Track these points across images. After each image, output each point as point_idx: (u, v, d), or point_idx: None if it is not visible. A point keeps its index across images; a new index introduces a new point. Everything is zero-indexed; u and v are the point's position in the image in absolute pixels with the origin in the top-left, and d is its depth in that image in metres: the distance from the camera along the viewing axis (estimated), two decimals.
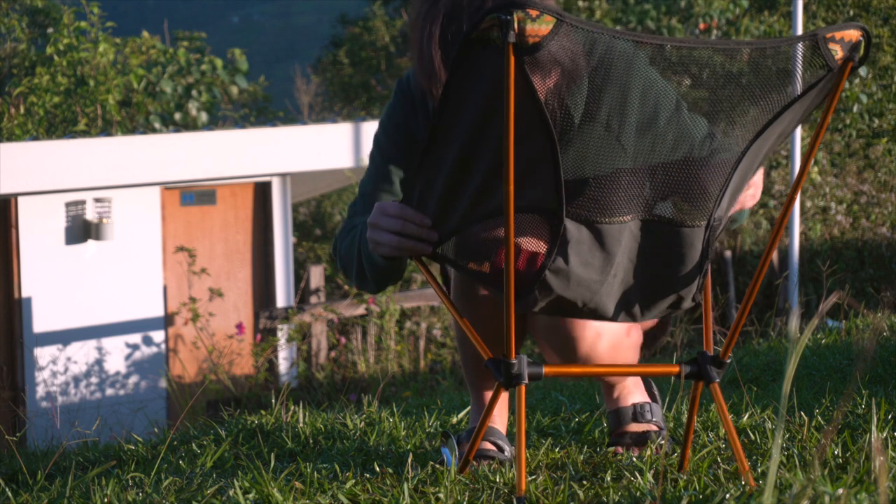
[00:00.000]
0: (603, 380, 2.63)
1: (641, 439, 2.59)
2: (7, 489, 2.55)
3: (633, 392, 2.64)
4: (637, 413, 2.61)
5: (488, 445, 2.50)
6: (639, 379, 2.65)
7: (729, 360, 2.18)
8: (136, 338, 9.77)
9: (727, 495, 2.05)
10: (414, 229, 2.17)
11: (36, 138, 11.08)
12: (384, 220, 2.20)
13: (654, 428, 2.61)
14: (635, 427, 2.60)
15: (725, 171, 2.08)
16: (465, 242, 2.16)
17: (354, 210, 2.52)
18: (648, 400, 2.65)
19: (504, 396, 2.56)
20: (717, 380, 2.16)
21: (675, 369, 2.16)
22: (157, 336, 9.87)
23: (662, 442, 2.57)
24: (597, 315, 2.14)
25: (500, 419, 2.56)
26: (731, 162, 2.07)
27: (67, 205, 9.49)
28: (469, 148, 2.04)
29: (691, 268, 2.13)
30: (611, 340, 2.41)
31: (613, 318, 2.14)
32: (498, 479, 2.26)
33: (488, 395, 2.56)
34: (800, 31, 9.74)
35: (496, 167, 2.00)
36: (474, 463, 2.43)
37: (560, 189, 2.02)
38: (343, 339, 9.37)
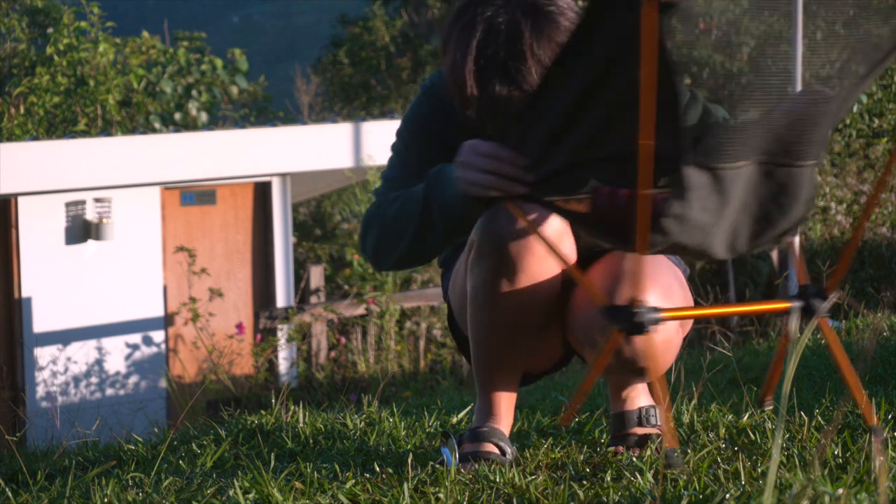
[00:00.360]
0: (613, 381, 2.62)
1: (643, 441, 2.59)
2: (7, 489, 2.55)
3: (640, 395, 2.63)
4: (642, 417, 2.60)
5: (490, 447, 2.49)
6: (646, 384, 2.65)
7: (833, 296, 2.13)
8: (136, 338, 9.77)
9: (727, 495, 2.05)
10: (509, 169, 2.15)
11: (36, 138, 11.08)
12: (477, 159, 2.18)
13: (657, 432, 2.61)
14: (639, 430, 2.60)
15: (835, 111, 2.09)
16: (570, 182, 2.15)
17: (382, 192, 2.52)
18: (654, 403, 2.65)
19: (511, 397, 2.55)
20: (825, 314, 2.12)
21: (787, 305, 2.13)
22: (157, 336, 9.87)
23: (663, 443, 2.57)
24: (704, 254, 2.14)
25: (504, 420, 2.55)
26: (841, 99, 2.09)
27: (67, 205, 9.49)
28: (586, 95, 2.04)
29: (800, 204, 2.14)
30: (664, 336, 2.40)
31: (718, 255, 2.14)
32: (498, 479, 2.26)
33: (499, 396, 2.54)
34: (800, 32, 9.72)
35: (614, 114, 2.01)
36: (475, 464, 2.43)
37: (681, 136, 2.00)
38: (343, 339, 9.37)
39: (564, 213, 2.19)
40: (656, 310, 1.95)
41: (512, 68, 2.39)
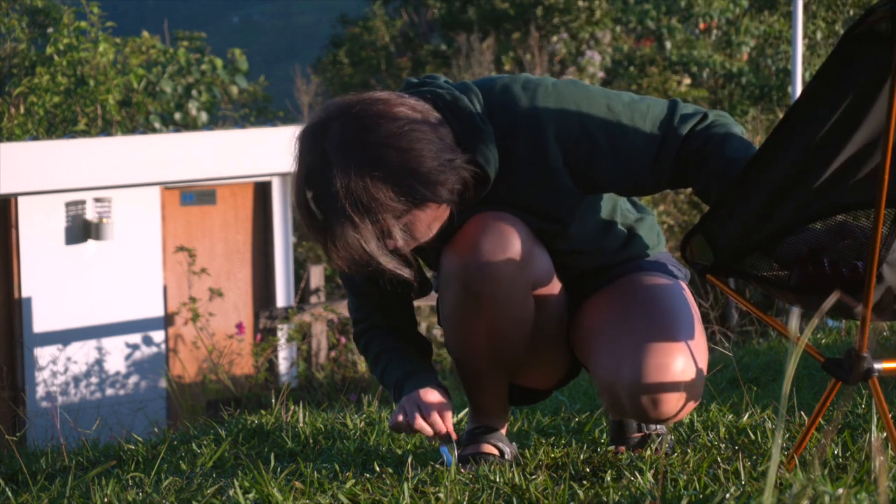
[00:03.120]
0: None
1: (643, 442, 2.59)
2: (7, 489, 2.55)
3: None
4: (641, 423, 2.60)
5: (489, 448, 2.49)
6: None
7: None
8: (136, 338, 9.77)
9: (727, 495, 2.05)
10: (430, 430, 2.36)
11: (36, 138, 11.08)
12: (413, 408, 2.36)
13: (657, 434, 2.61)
14: (638, 435, 2.60)
15: None
16: (775, 252, 2.18)
17: (354, 314, 2.59)
18: None
19: (502, 397, 2.54)
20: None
21: None
22: (157, 336, 9.87)
23: (663, 444, 2.57)
24: None
25: (500, 420, 2.55)
26: None
27: (67, 205, 9.49)
28: (813, 149, 2.06)
29: None
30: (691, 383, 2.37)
31: None
32: (498, 479, 2.26)
33: (488, 401, 2.53)
34: (800, 32, 9.72)
35: (841, 167, 2.03)
36: (475, 463, 2.43)
37: None
38: (343, 339, 9.37)
39: (772, 285, 2.20)
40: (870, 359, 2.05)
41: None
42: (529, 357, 2.49)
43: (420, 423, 2.35)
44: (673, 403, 2.28)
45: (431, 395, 2.39)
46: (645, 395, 2.26)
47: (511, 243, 2.30)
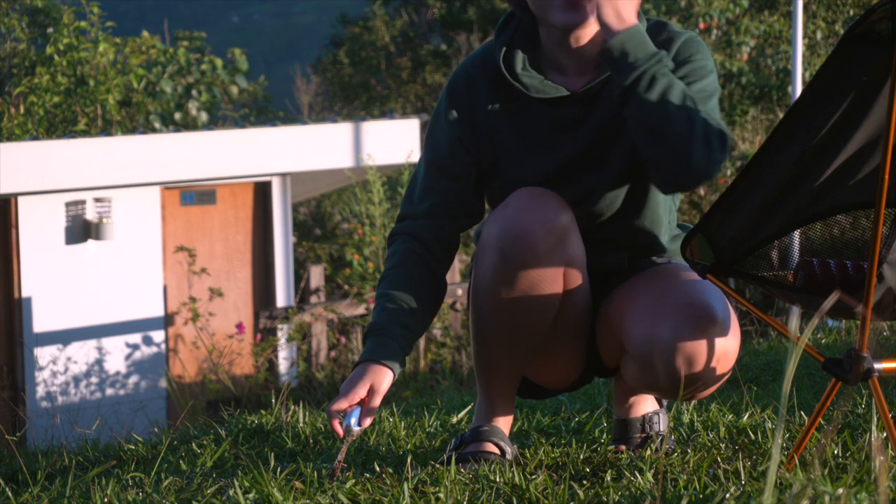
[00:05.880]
0: (620, 387, 2.61)
1: (644, 443, 2.59)
2: (7, 489, 2.55)
3: (646, 401, 2.63)
4: (645, 423, 2.60)
5: (490, 447, 2.49)
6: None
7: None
8: (136, 338, 9.77)
9: (727, 495, 2.05)
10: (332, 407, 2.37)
11: (36, 138, 11.08)
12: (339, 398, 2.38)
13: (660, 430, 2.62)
14: (641, 435, 2.61)
15: None
16: (775, 252, 2.21)
17: (404, 207, 2.59)
18: (658, 408, 2.64)
19: (511, 395, 2.53)
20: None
21: None
22: (157, 336, 9.87)
23: (663, 444, 2.57)
24: None
25: (504, 419, 2.54)
26: None
27: (67, 205, 9.49)
28: (814, 149, 2.06)
29: None
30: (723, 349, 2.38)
31: None
32: (498, 479, 2.26)
33: (498, 393, 2.53)
34: (800, 32, 9.73)
35: (841, 167, 2.02)
36: (475, 463, 2.43)
37: None
38: (343, 339, 9.37)
39: (772, 285, 2.20)
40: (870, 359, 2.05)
41: None
42: (547, 351, 2.49)
43: (335, 425, 2.38)
44: (707, 371, 2.29)
45: (369, 381, 2.39)
46: (681, 356, 2.27)
47: (552, 218, 2.33)
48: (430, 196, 2.53)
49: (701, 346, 2.28)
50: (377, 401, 2.38)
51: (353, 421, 2.37)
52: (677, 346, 2.27)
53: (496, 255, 2.35)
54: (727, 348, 2.31)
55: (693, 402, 3.07)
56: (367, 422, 2.38)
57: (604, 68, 2.43)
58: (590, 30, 2.44)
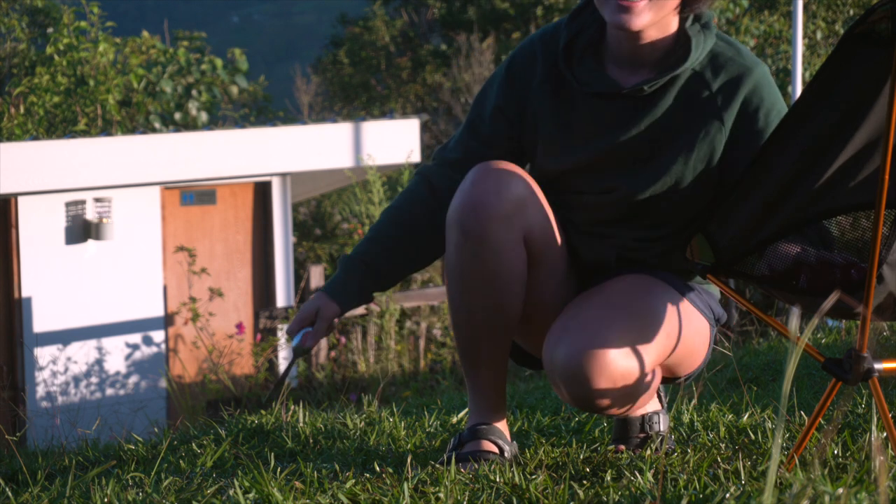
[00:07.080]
0: None
1: (644, 443, 2.59)
2: (7, 489, 2.55)
3: (646, 402, 2.62)
4: (645, 423, 2.60)
5: (489, 445, 2.49)
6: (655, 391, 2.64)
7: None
8: (136, 338, 9.77)
9: (727, 495, 2.05)
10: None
11: (36, 138, 11.08)
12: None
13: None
14: (641, 435, 2.60)
15: None
16: (775, 253, 2.20)
17: (438, 153, 2.63)
18: (659, 408, 2.64)
19: (500, 383, 2.52)
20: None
21: None
22: (157, 336, 9.87)
23: (664, 444, 2.57)
24: None
25: (498, 413, 2.54)
26: None
27: (67, 205, 9.49)
28: (814, 149, 2.05)
29: None
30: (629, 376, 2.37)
31: None
32: (498, 479, 2.26)
33: (486, 384, 2.52)
34: (800, 32, 9.72)
35: (841, 168, 2.03)
36: (474, 463, 2.43)
37: None
38: (343, 339, 9.37)
39: (770, 284, 2.20)
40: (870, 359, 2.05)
41: None
42: (530, 319, 2.49)
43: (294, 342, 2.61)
44: (611, 391, 2.30)
45: (316, 308, 2.57)
46: (574, 381, 2.28)
47: (506, 186, 2.35)
48: (459, 150, 2.59)
49: (594, 370, 2.28)
50: (321, 326, 2.56)
51: (297, 341, 2.60)
52: (569, 371, 2.29)
53: (458, 232, 2.38)
54: (627, 369, 2.31)
55: (693, 402, 3.07)
56: (310, 342, 2.59)
57: (662, 69, 2.44)
58: (651, 31, 2.42)
